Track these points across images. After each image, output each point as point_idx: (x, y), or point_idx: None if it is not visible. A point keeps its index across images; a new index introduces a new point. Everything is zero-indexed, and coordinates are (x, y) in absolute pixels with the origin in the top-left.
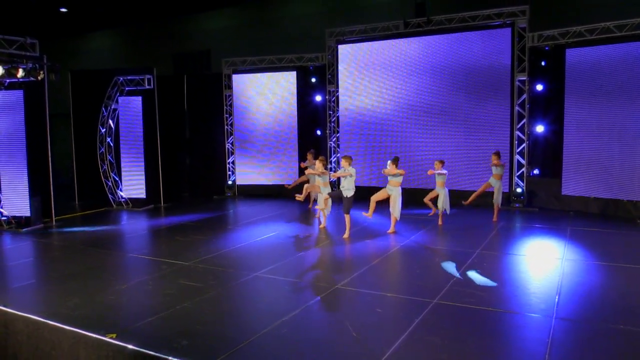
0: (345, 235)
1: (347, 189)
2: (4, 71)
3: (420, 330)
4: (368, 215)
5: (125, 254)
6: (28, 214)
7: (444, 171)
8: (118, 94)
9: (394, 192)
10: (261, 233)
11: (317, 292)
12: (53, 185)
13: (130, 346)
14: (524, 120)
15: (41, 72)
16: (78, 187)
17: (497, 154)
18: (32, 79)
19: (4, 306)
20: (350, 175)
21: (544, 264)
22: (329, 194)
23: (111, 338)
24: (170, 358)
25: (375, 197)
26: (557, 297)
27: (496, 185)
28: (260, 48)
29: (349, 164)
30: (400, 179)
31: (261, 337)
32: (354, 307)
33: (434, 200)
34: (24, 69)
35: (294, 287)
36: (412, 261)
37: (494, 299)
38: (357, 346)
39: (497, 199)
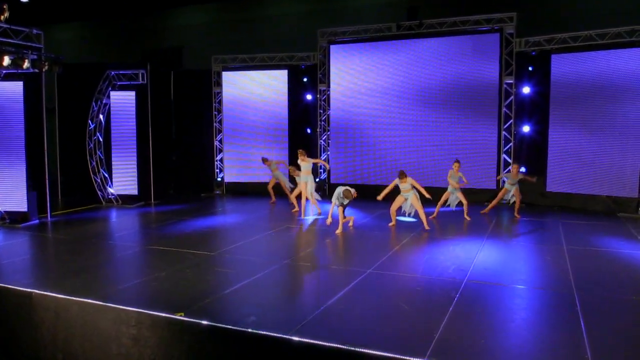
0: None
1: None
2: (10, 61)
3: (462, 303)
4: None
5: (142, 247)
6: (24, 209)
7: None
8: (110, 88)
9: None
10: (267, 227)
11: (354, 276)
12: (49, 180)
13: (204, 322)
14: (511, 121)
15: (46, 64)
16: (62, 183)
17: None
18: (36, 70)
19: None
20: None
21: (549, 250)
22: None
23: (180, 316)
24: (249, 330)
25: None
26: (570, 275)
27: (511, 190)
28: (241, 46)
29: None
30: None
31: (322, 313)
32: (394, 286)
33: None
34: (29, 60)
35: (330, 272)
36: (429, 248)
37: (517, 277)
38: (414, 318)
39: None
